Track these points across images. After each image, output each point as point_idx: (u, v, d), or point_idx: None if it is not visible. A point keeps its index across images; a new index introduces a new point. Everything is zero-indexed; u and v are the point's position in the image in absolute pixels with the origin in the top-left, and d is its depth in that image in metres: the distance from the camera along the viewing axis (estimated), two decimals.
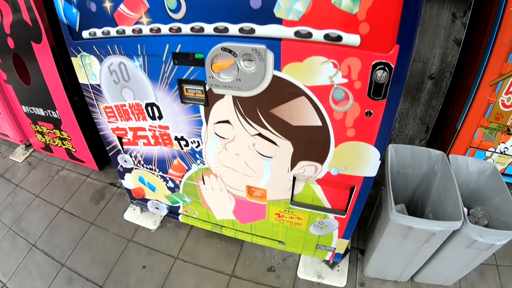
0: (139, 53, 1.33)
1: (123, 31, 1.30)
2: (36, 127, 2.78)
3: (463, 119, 1.95)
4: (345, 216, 1.60)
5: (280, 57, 1.14)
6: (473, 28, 1.99)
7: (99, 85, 1.56)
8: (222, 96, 1.33)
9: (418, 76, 2.15)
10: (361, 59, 1.06)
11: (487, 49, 1.75)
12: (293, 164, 1.42)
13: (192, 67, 1.28)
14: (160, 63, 1.33)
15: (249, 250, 2.31)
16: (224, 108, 1.36)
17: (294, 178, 1.50)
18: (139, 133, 1.71)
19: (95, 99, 1.64)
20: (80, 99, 2.24)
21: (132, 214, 2.51)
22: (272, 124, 1.31)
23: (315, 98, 1.19)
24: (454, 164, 1.87)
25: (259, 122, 1.32)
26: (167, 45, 1.26)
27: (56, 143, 2.81)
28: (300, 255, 2.24)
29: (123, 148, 1.88)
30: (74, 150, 2.76)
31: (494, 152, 1.96)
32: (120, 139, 1.83)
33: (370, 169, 1.33)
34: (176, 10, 1.16)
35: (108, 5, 1.26)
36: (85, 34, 1.39)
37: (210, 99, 1.36)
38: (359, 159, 1.31)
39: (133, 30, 1.27)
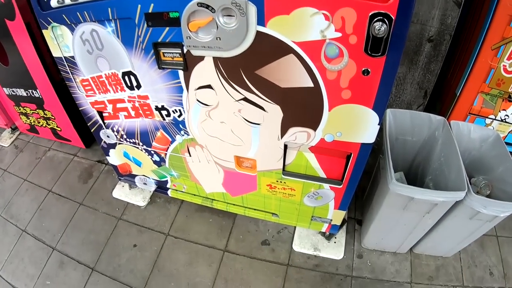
0: (111, 18, 1.20)
1: None
2: (20, 109, 2.65)
3: (463, 85, 1.85)
4: (341, 186, 1.50)
5: (263, 10, 0.99)
6: None
7: (73, 57, 1.43)
8: (201, 58, 1.19)
9: (416, 38, 2.00)
10: (356, 9, 0.92)
11: (489, 11, 1.63)
12: (283, 131, 1.30)
13: (167, 28, 1.15)
14: (133, 26, 1.19)
15: (242, 223, 2.22)
16: (204, 71, 1.22)
17: (286, 146, 1.38)
18: (119, 105, 1.58)
19: (71, 72, 1.51)
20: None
21: (121, 192, 2.43)
22: (258, 87, 1.18)
23: (305, 55, 1.05)
24: (456, 130, 1.76)
25: (243, 85, 1.19)
26: (139, 6, 1.12)
27: (41, 123, 2.70)
28: (295, 227, 2.16)
29: (104, 123, 1.76)
30: (59, 129, 2.65)
31: (495, 119, 1.88)
32: (100, 113, 1.70)
33: (368, 135, 1.22)
34: None
35: None
36: (54, 2, 1.25)
37: (189, 63, 1.22)
38: (356, 124, 1.19)
39: None
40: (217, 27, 1.06)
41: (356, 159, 1.33)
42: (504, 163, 1.67)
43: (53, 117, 2.54)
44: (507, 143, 1.83)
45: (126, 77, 1.41)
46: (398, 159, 1.92)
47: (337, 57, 1.02)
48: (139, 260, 2.10)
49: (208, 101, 1.33)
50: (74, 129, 2.55)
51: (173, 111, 1.47)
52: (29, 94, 2.43)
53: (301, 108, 1.20)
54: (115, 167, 2.16)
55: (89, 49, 1.35)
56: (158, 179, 2.10)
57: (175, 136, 1.62)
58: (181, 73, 1.28)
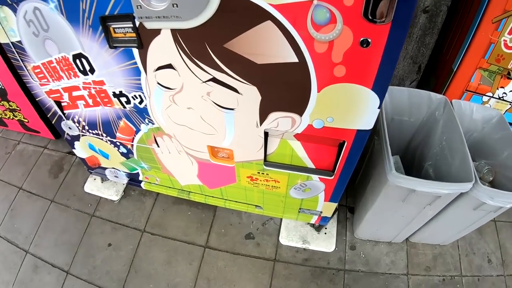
0: None
1: None
2: None
3: (461, 60, 1.69)
4: (332, 178, 1.30)
5: None
6: None
7: (20, 42, 1.21)
8: (158, 32, 0.95)
9: None
10: None
11: None
12: (262, 117, 1.08)
13: None
14: None
15: (224, 215, 2.03)
16: (163, 48, 0.99)
17: (266, 134, 1.17)
18: (74, 93, 1.36)
19: (21, 59, 1.29)
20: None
21: (93, 185, 2.24)
22: (228, 64, 0.95)
23: (286, 22, 0.82)
24: (457, 110, 1.58)
25: (211, 62, 0.96)
26: None
27: (7, 115, 2.51)
28: (281, 218, 1.97)
29: (64, 114, 1.54)
30: (26, 120, 2.46)
31: (492, 97, 1.74)
32: (58, 103, 1.47)
33: (366, 120, 1.01)
34: None
35: None
36: None
37: (143, 38, 0.99)
38: (351, 108, 0.98)
39: None
40: None
41: (351, 148, 1.13)
42: (509, 147, 1.53)
43: (18, 109, 2.36)
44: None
45: (78, 61, 1.18)
46: (394, 142, 1.72)
47: (328, 23, 0.80)
48: (115, 260, 1.93)
49: (170, 84, 1.09)
50: (41, 120, 2.36)
51: (132, 97, 1.24)
52: None
53: (283, 89, 0.98)
54: (83, 160, 1.96)
55: (35, 31, 1.14)
56: (129, 172, 1.90)
57: (139, 126, 1.39)
58: (136, 52, 1.05)
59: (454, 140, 1.48)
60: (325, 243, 1.90)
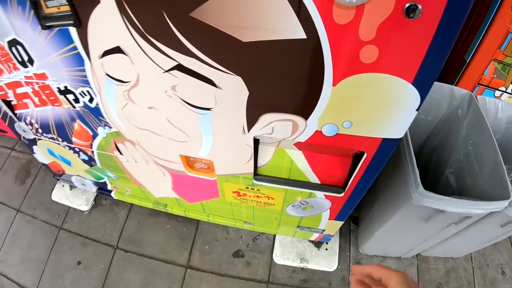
0: None
1: None
2: None
3: (475, 50, 1.50)
4: (342, 195, 1.01)
5: None
6: None
7: None
8: (97, 1, 0.64)
9: None
10: None
11: None
12: (251, 120, 0.77)
13: None
14: None
15: (208, 229, 1.75)
16: (106, 23, 0.68)
17: (257, 141, 0.87)
18: (19, 90, 1.06)
19: None
20: None
21: (61, 193, 1.96)
22: (199, 43, 0.64)
23: None
24: (482, 108, 1.31)
25: (173, 42, 0.64)
26: None
27: None
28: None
29: (15, 114, 1.23)
30: None
31: (505, 92, 1.56)
32: (7, 102, 1.17)
33: (397, 126, 0.72)
34: None
35: None
36: None
37: (80, 11, 0.68)
38: (378, 109, 0.68)
39: None
40: None
41: (371, 161, 0.84)
42: None
43: None
44: None
45: (14, 49, 0.87)
46: None
47: None
48: (85, 281, 1.67)
49: (122, 75, 0.79)
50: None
51: (80, 94, 0.93)
52: None
53: (282, 81, 0.67)
54: (46, 165, 1.66)
55: None
56: (96, 180, 1.60)
57: (96, 129, 1.09)
58: (74, 32, 0.74)
59: (483, 146, 1.22)
60: (326, 261, 1.62)
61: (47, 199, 1.94)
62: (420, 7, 0.50)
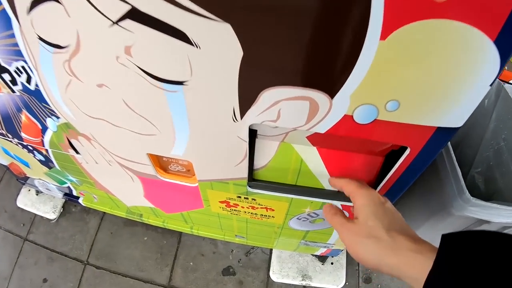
0: None
1: None
2: None
3: None
4: None
5: None
6: None
7: None
8: None
9: None
10: None
11: None
12: (247, 99, 0.50)
13: None
14: None
15: (192, 242, 1.48)
16: None
17: (253, 134, 0.61)
18: None
19: None
20: None
21: (27, 199, 1.74)
22: None
23: None
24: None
25: None
26: None
27: None
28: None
29: None
30: None
31: None
32: None
33: (461, 109, 0.47)
34: None
35: None
36: None
37: None
38: (441, 81, 0.43)
39: None
40: None
41: (414, 160, 0.59)
42: None
43: None
44: None
45: None
46: None
47: None
48: None
49: (58, 37, 0.52)
50: None
51: (16, 71, 0.66)
52: None
53: (295, 32, 0.41)
54: (7, 167, 1.43)
55: None
56: (59, 185, 1.35)
57: (44, 121, 0.82)
58: None
59: None
60: (332, 277, 1.37)
61: (11, 205, 1.73)
62: None
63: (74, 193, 1.39)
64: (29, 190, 1.74)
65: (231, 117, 0.53)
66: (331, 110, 0.49)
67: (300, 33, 0.40)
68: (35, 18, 0.51)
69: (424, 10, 0.35)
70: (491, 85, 0.43)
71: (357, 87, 0.46)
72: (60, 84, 0.63)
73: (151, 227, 1.51)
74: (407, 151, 0.58)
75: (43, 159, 1.11)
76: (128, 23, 0.44)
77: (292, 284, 1.37)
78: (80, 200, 1.43)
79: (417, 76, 0.43)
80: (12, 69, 0.66)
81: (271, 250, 1.43)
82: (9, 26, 0.55)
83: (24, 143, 1.03)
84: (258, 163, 0.69)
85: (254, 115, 0.52)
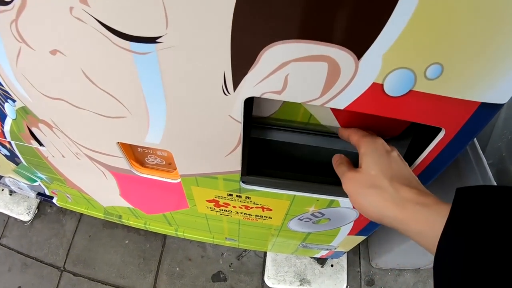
0: None
1: None
2: None
3: None
4: None
5: None
6: None
7: None
8: None
9: None
10: None
11: None
12: (242, 60, 0.37)
13: None
14: None
15: (178, 245, 1.36)
16: None
17: (250, 110, 0.47)
18: None
19: None
20: None
21: (0, 199, 1.61)
22: None
23: None
24: None
25: None
26: None
27: None
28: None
29: None
30: None
31: None
32: None
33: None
34: None
35: None
36: None
37: None
38: (495, 41, 0.33)
39: None
40: None
41: (448, 145, 0.48)
42: None
43: None
44: None
45: None
46: None
47: None
48: None
49: None
50: None
51: None
52: None
53: None
54: None
55: None
56: (30, 184, 1.23)
57: (2, 106, 0.69)
58: None
59: None
60: (332, 280, 1.26)
61: None
62: None
63: (47, 192, 1.26)
64: (2, 190, 1.62)
65: (220, 88, 0.40)
66: (357, 76, 0.36)
67: None
68: None
69: None
70: None
71: (393, 43, 0.34)
72: (10, 55, 0.50)
73: (133, 229, 1.38)
74: (441, 134, 0.46)
75: (8, 153, 0.98)
76: None
77: None
78: (54, 200, 1.31)
79: (470, 32, 0.32)
80: None
81: (265, 252, 1.31)
82: None
83: None
84: (258, 113, 0.56)
85: (251, 85, 0.39)
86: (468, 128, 0.46)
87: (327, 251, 1.05)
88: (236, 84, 0.39)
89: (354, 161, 0.52)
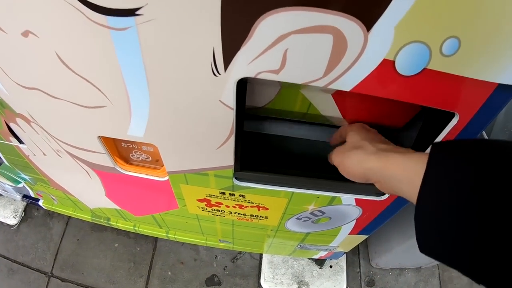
0: None
1: None
2: None
3: None
4: (384, 198, 0.60)
5: None
6: None
7: None
8: None
9: None
10: None
11: None
12: (234, 34, 0.33)
13: None
14: None
15: (170, 248, 1.31)
16: None
17: (243, 93, 0.43)
18: None
19: None
20: None
21: None
22: None
23: None
24: None
25: None
26: None
27: None
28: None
29: None
30: None
31: None
32: None
33: None
34: None
35: None
36: None
37: None
38: None
39: None
40: None
41: (462, 131, 0.44)
42: None
43: None
44: None
45: None
46: None
47: None
48: None
49: None
50: None
51: None
52: None
53: None
54: None
55: None
56: (14, 185, 1.17)
57: None
58: None
59: None
60: (331, 282, 1.22)
61: None
62: None
63: (32, 194, 1.21)
64: None
65: (209, 67, 0.35)
66: (365, 51, 0.32)
67: None
68: None
69: None
70: None
71: (406, 12, 0.29)
72: None
73: (122, 232, 1.32)
74: (454, 120, 0.42)
75: None
76: None
77: None
78: (40, 203, 1.26)
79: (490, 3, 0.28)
80: None
81: (261, 254, 1.26)
82: None
83: None
84: (252, 103, 0.51)
85: (244, 63, 0.34)
86: (482, 114, 0.42)
87: (326, 252, 1.00)
88: (227, 63, 0.34)
89: None
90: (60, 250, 1.38)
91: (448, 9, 0.30)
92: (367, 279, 1.29)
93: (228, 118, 0.42)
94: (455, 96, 0.39)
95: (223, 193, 0.64)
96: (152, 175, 0.64)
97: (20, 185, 1.16)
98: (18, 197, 1.31)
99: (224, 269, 1.25)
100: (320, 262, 1.22)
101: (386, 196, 0.60)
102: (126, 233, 1.33)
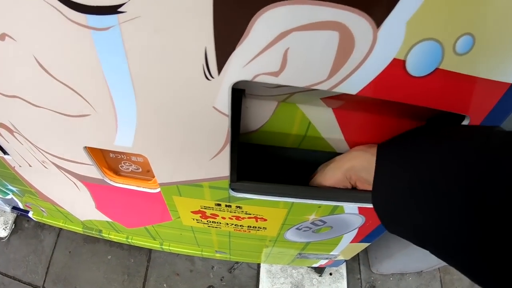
0: None
1: None
2: None
3: None
4: None
5: None
6: None
7: None
8: None
9: None
10: None
11: None
12: (228, 32, 0.29)
13: None
14: None
15: (164, 260, 1.27)
16: None
17: (239, 99, 0.40)
18: None
19: None
20: None
21: None
22: None
23: None
24: None
25: None
26: None
27: None
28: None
29: None
30: None
31: None
32: None
33: None
34: None
35: None
36: None
37: None
38: None
39: None
40: None
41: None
42: None
43: None
44: None
45: None
46: None
47: None
48: None
49: None
50: None
51: None
52: None
53: None
54: None
55: None
56: (3, 197, 1.14)
57: None
58: None
59: None
60: None
61: None
62: None
63: (21, 206, 1.17)
64: None
65: (201, 70, 0.32)
66: (374, 49, 0.29)
67: None
68: None
69: None
70: None
71: (419, 7, 0.26)
72: None
73: (115, 244, 1.28)
74: (465, 123, 0.40)
75: None
76: None
77: None
78: (29, 214, 1.21)
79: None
80: None
81: (258, 264, 1.22)
82: None
83: None
84: (246, 127, 0.48)
85: (240, 65, 0.31)
86: (494, 116, 0.39)
87: (326, 260, 0.97)
88: (221, 65, 0.31)
89: None
90: (52, 262, 1.33)
91: (463, 3, 0.27)
92: (368, 285, 1.26)
93: (222, 126, 0.38)
94: (467, 98, 0.36)
95: (219, 205, 0.60)
96: (143, 187, 0.60)
97: (8, 197, 1.12)
98: (8, 208, 1.26)
99: (221, 280, 1.21)
100: (319, 270, 1.19)
101: None
102: (120, 245, 1.28)
